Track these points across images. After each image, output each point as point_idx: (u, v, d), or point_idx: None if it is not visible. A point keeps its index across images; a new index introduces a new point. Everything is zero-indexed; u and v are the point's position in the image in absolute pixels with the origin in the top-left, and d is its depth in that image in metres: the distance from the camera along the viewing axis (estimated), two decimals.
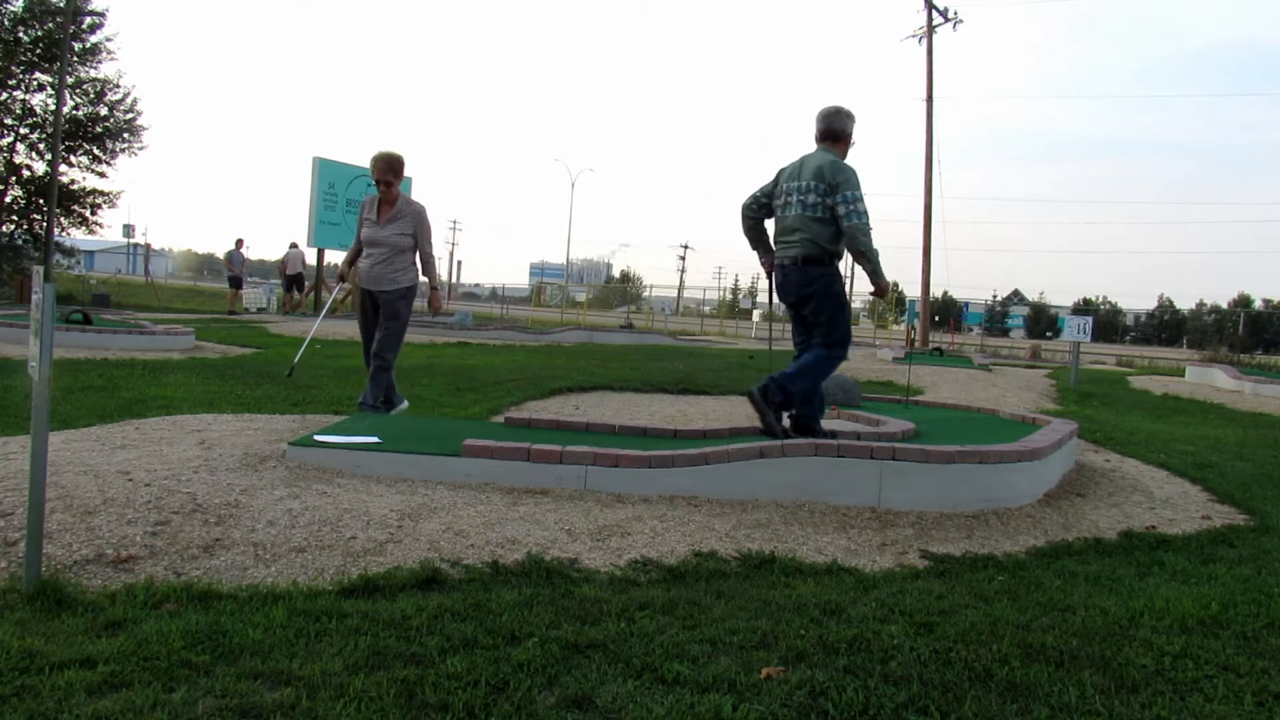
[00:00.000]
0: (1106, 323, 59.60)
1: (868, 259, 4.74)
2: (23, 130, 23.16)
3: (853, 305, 59.31)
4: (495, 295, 57.18)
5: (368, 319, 6.08)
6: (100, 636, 2.44)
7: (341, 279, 6.16)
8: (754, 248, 5.22)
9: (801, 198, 4.82)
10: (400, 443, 4.59)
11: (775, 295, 5.13)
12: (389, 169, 5.81)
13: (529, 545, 3.51)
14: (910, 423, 5.79)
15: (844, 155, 4.94)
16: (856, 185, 4.72)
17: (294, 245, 24.17)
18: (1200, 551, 4.06)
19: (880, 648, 2.58)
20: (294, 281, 24.31)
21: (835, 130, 4.95)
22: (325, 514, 3.62)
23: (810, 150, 5.00)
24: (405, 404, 6.29)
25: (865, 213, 4.70)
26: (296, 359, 7.97)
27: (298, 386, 7.55)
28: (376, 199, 5.98)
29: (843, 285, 5.08)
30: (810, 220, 4.79)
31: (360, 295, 6.09)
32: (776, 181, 5.03)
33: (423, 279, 6.17)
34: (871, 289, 4.92)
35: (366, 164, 6.01)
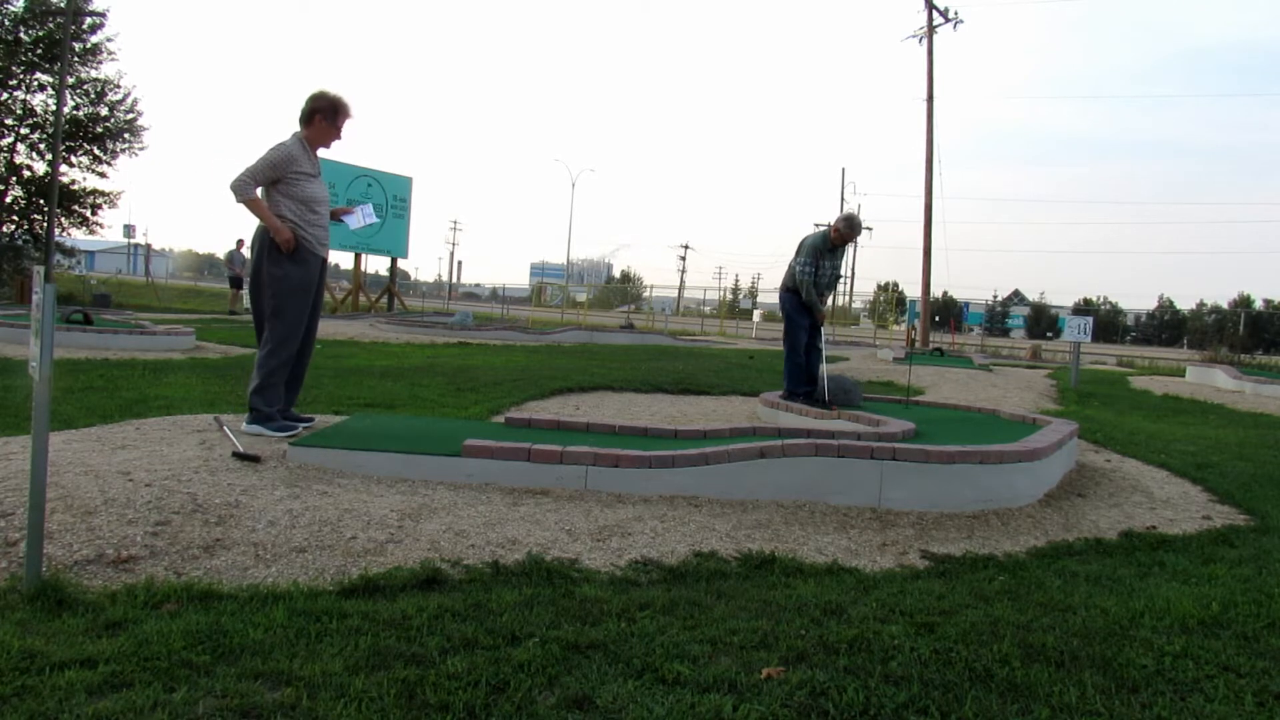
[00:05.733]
0: (1107, 323, 59.51)
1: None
2: (23, 130, 23.18)
3: (852, 306, 59.83)
4: (495, 295, 57.19)
5: (314, 297, 4.85)
6: (101, 637, 2.44)
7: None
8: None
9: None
10: (400, 443, 4.59)
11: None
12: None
13: (529, 545, 3.51)
14: (911, 423, 5.79)
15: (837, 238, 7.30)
16: (808, 253, 7.14)
17: (240, 242, 22.46)
18: (1201, 552, 4.05)
19: (881, 648, 2.58)
20: (235, 282, 22.77)
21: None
22: (326, 514, 3.62)
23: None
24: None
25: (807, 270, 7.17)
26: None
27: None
28: (303, 145, 4.75)
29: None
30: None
31: (306, 268, 4.75)
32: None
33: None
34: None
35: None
